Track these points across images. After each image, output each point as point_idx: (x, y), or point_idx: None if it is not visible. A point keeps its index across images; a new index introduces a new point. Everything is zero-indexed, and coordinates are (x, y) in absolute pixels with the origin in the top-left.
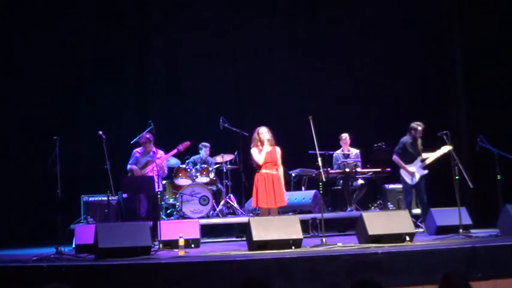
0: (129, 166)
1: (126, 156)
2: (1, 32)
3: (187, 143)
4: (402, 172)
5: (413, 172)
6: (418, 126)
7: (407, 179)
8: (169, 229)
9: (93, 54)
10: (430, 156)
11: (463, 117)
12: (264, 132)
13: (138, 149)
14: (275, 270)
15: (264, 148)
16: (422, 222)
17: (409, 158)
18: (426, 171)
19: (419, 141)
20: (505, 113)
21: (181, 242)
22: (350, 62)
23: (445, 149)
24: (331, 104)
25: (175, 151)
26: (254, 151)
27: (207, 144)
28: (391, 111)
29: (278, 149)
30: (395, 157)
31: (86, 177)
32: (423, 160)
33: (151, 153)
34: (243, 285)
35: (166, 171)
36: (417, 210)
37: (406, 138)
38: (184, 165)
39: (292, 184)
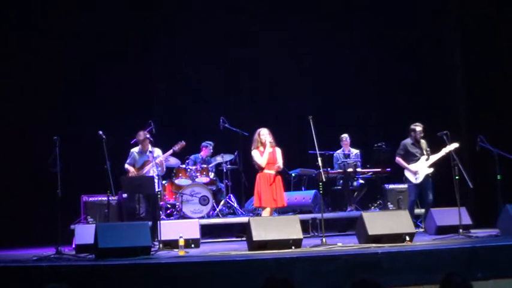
0: (126, 166)
1: (126, 156)
2: (1, 31)
3: (183, 143)
4: (406, 172)
5: (416, 171)
6: (417, 126)
7: (411, 178)
8: (169, 229)
9: (93, 54)
10: (436, 155)
11: (463, 117)
12: (265, 134)
13: (135, 149)
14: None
15: (266, 150)
16: (422, 222)
17: (413, 159)
18: (431, 170)
19: (423, 142)
20: (505, 113)
21: (181, 242)
22: (350, 62)
23: (452, 146)
24: (331, 104)
25: (170, 152)
26: (255, 153)
27: (207, 144)
28: (391, 111)
29: (279, 150)
30: (397, 159)
31: (86, 177)
32: (427, 159)
33: (148, 153)
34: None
35: (164, 170)
36: (419, 210)
37: (407, 140)
38: (184, 165)
39: (292, 184)
